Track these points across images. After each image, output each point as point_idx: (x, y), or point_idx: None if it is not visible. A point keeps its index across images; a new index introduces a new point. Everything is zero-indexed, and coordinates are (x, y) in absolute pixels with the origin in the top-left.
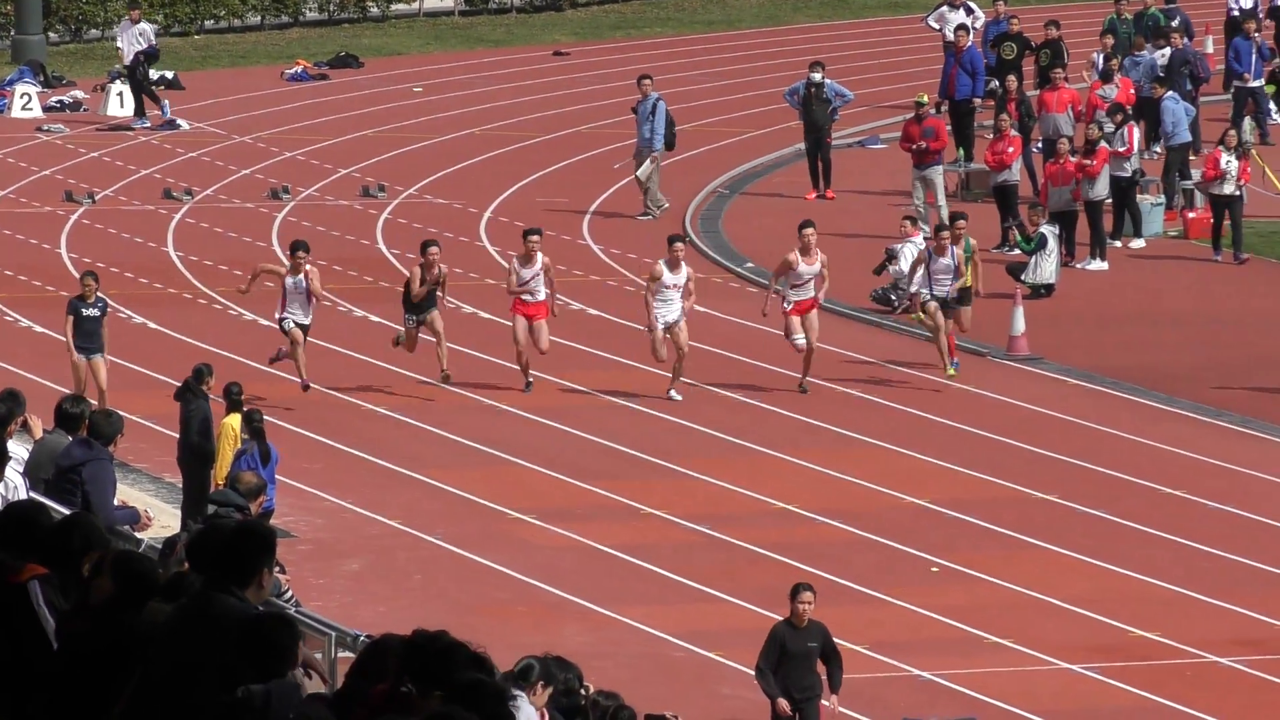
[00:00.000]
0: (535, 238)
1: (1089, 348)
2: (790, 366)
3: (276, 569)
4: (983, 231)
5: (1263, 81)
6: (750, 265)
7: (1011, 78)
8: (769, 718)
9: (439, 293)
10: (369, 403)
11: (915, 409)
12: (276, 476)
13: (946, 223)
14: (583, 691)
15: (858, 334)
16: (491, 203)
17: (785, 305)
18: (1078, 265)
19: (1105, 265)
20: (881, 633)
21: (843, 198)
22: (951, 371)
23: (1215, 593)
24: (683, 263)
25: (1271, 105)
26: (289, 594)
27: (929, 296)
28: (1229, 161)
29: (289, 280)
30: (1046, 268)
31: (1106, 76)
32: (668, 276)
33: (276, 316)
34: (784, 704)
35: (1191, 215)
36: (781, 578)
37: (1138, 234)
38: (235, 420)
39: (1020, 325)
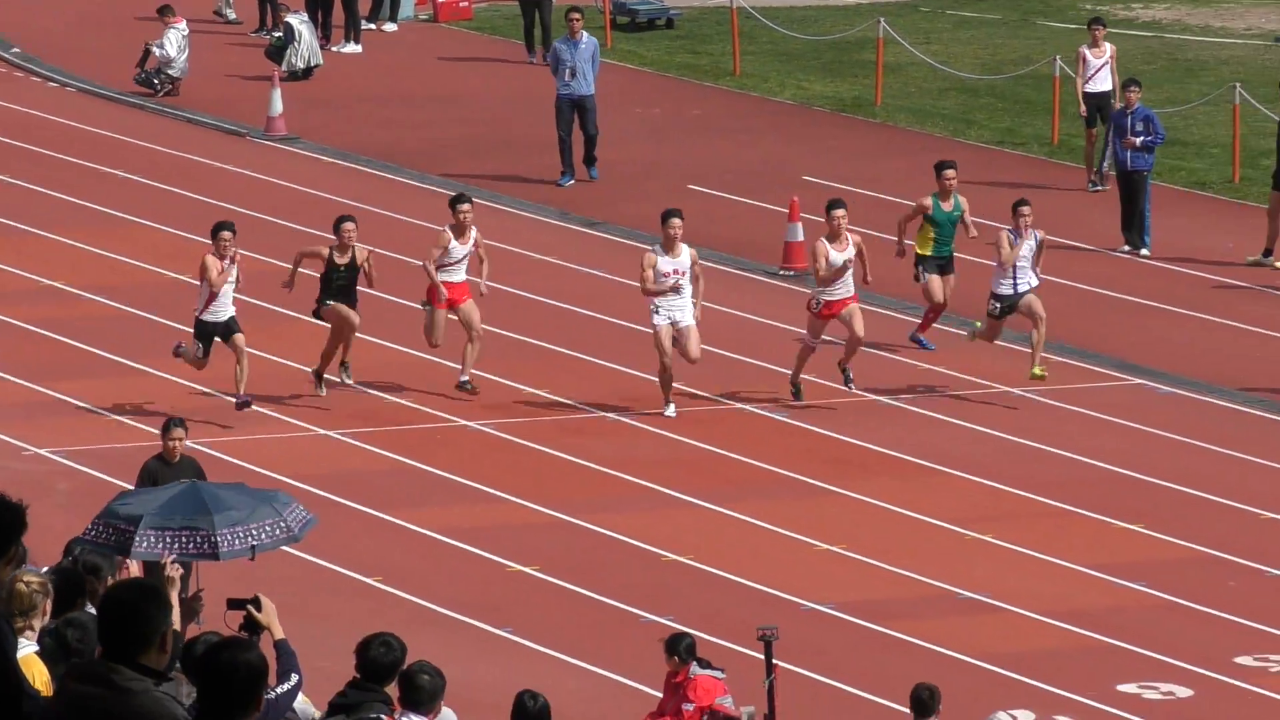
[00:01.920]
0: (465, 206)
1: (344, 128)
2: (40, 143)
3: None
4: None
5: None
6: None
7: None
8: None
9: (361, 283)
10: None
11: (191, 192)
12: None
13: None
14: None
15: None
16: None
17: (815, 306)
18: (333, 48)
19: (359, 48)
20: (143, 405)
21: None
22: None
23: (481, 364)
24: (681, 244)
25: None
26: None
27: (1000, 305)
28: None
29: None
30: (303, 54)
31: None
32: (664, 262)
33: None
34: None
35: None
36: (50, 353)
37: (392, 18)
38: None
39: (278, 106)
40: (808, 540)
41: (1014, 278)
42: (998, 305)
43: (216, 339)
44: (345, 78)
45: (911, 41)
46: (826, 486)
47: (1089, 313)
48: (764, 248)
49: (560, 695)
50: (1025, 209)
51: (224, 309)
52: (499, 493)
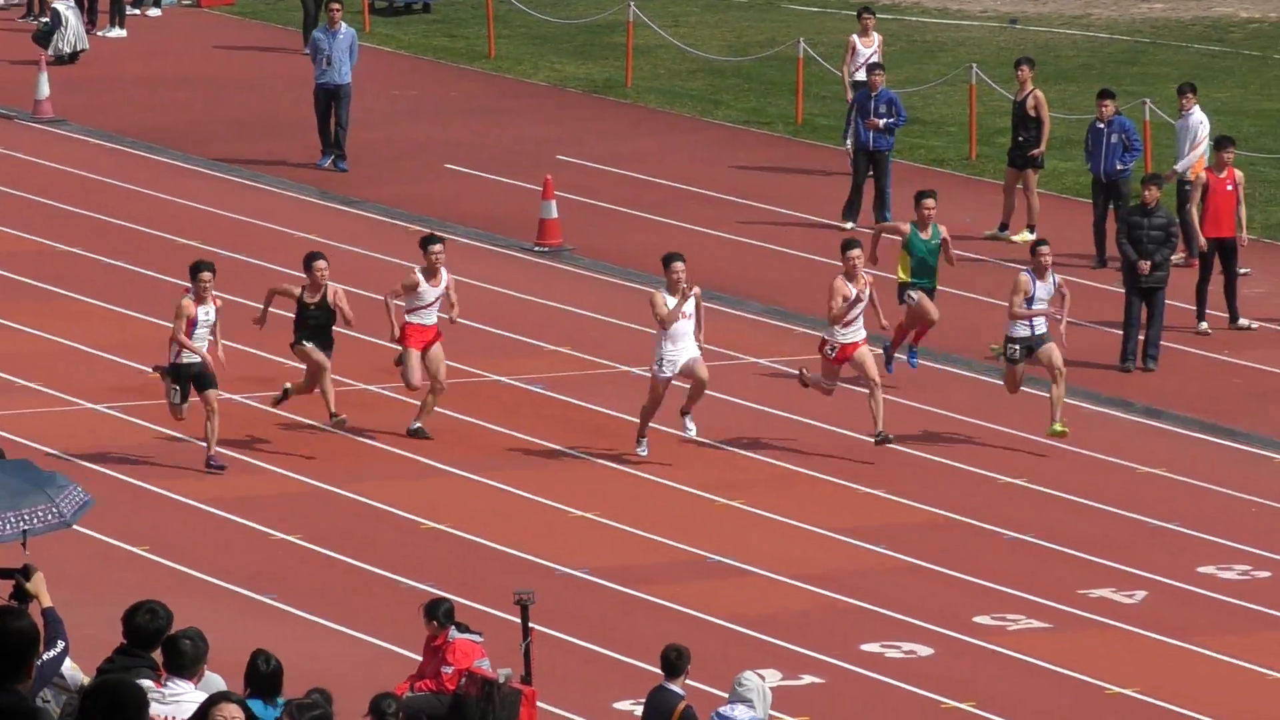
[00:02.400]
0: (437, 247)
1: (110, 110)
2: None
3: None
4: None
5: None
6: None
7: None
8: None
9: (343, 321)
10: None
11: None
12: None
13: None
14: None
15: None
16: None
17: (829, 351)
18: (99, 33)
19: (124, 32)
20: None
21: None
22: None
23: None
24: (683, 286)
25: None
26: None
27: (1019, 343)
28: None
29: (200, 310)
30: (69, 39)
31: None
32: (671, 303)
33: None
34: None
35: None
36: None
37: (156, 3)
38: None
39: (45, 90)
40: (562, 507)
41: (1031, 320)
42: (1015, 348)
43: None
44: (110, 61)
45: (660, 25)
46: (581, 455)
47: (823, 285)
48: (520, 224)
49: (324, 660)
50: (1044, 249)
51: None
52: (261, 463)
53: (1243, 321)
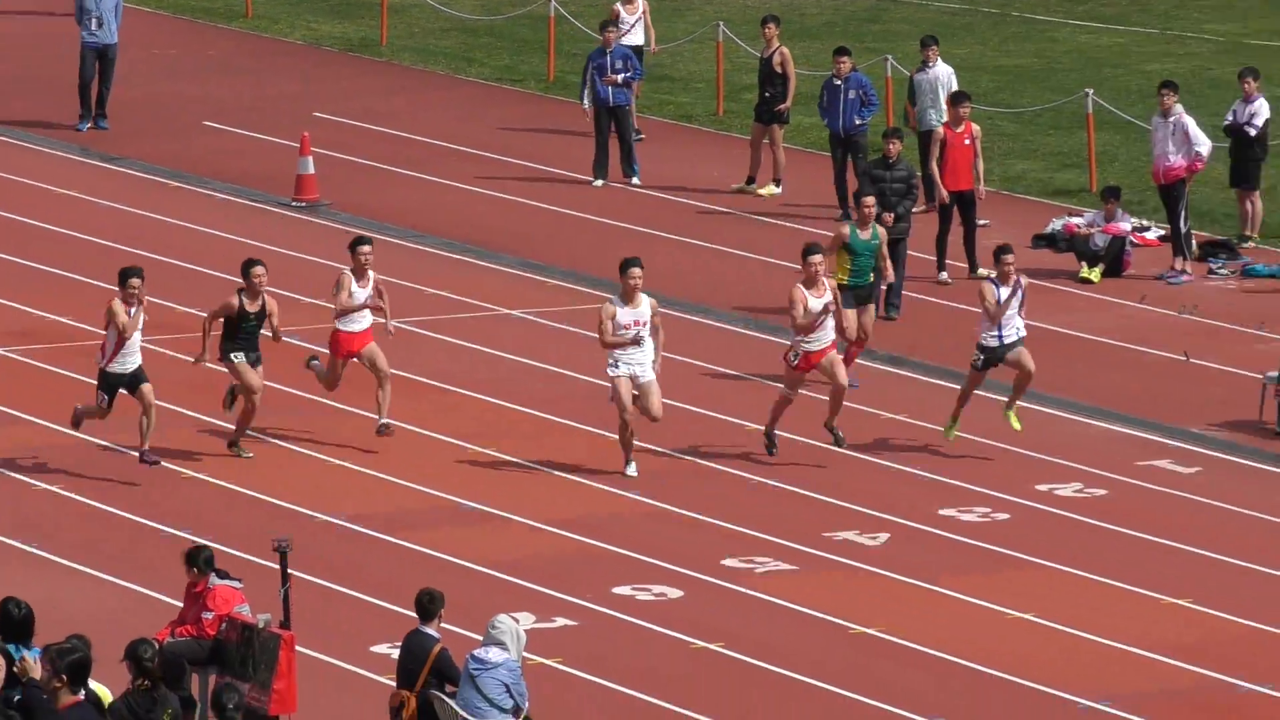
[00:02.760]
0: (366, 248)
1: None
2: None
3: None
4: None
5: None
6: None
7: None
8: None
9: (271, 331)
10: None
11: None
12: None
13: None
14: None
15: None
16: None
17: (792, 359)
18: None
19: None
20: None
21: None
22: (953, 436)
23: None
24: (640, 294)
25: None
26: None
27: (984, 357)
28: None
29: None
30: None
31: None
32: (624, 313)
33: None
34: None
35: None
36: None
37: None
38: None
39: None
40: (319, 456)
41: (999, 328)
42: (980, 357)
43: (121, 390)
44: None
45: None
46: (338, 405)
47: (574, 239)
48: (277, 180)
49: (84, 607)
50: (1008, 257)
51: (131, 359)
52: (25, 415)
53: (981, 271)
